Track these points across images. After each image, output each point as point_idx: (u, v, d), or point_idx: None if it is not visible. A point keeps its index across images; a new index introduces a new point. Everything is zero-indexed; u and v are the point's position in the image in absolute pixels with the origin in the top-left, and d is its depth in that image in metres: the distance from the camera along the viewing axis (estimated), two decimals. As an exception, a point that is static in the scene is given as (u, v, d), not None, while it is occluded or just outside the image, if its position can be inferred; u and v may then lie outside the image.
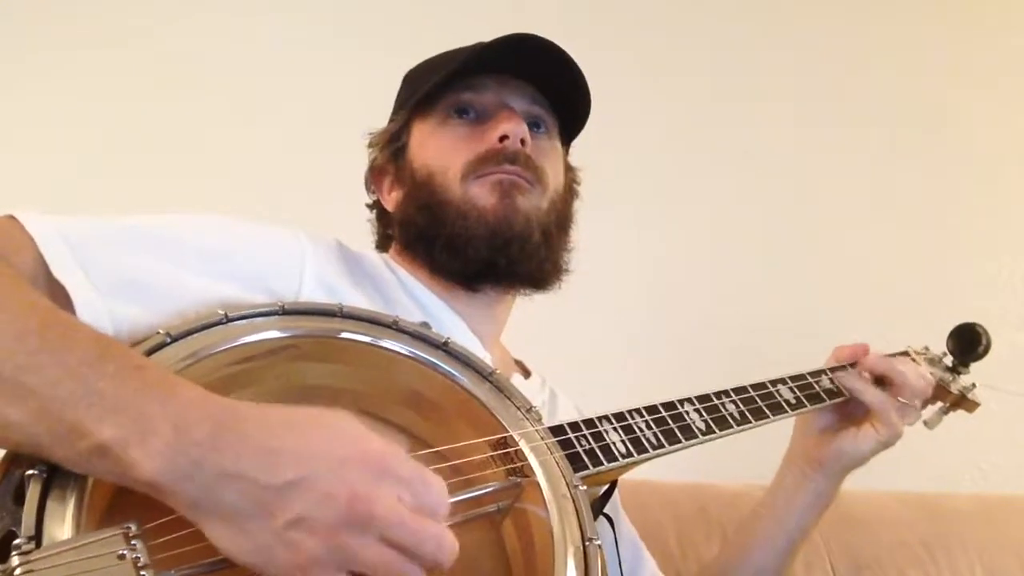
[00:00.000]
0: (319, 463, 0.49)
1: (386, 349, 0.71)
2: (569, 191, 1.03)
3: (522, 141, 0.92)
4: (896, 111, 1.98)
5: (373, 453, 0.51)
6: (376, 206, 1.05)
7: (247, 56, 1.76)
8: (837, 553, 1.40)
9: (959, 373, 1.16)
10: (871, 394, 0.97)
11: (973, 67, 2.03)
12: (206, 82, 1.73)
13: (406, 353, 0.72)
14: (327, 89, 1.74)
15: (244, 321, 0.66)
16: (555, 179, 0.98)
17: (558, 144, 1.02)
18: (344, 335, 0.70)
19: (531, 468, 0.66)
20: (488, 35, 0.95)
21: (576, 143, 1.10)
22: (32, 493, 0.50)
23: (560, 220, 0.97)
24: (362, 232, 1.06)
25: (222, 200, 1.50)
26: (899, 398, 0.97)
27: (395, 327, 0.73)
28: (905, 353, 1.11)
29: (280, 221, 0.83)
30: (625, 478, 0.78)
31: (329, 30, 1.82)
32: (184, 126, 1.68)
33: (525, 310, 1.03)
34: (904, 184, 1.96)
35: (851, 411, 0.99)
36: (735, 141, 1.91)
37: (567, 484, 0.66)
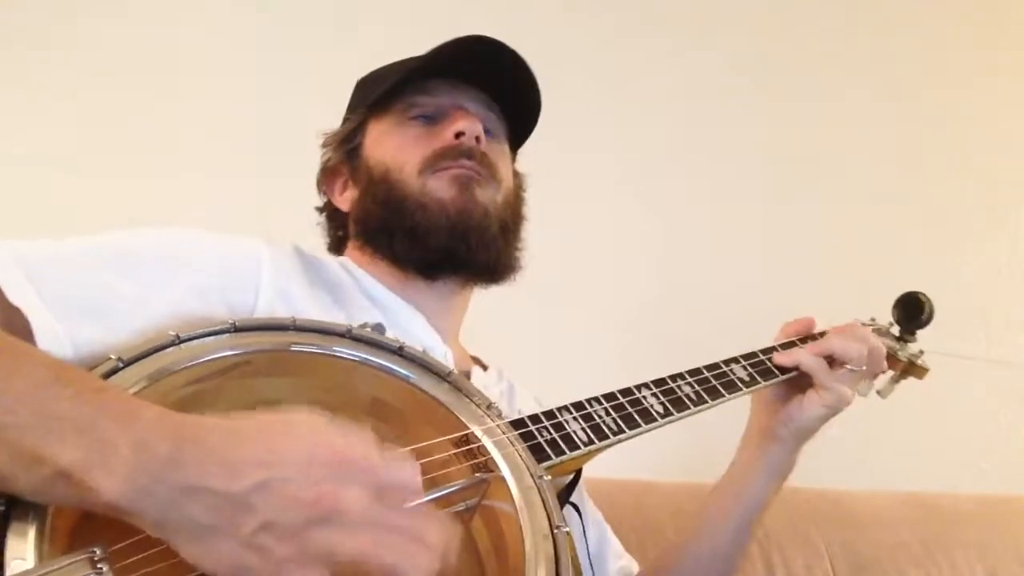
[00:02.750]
0: (281, 466, 0.49)
1: (340, 358, 0.71)
2: (517, 196, 1.05)
3: (476, 139, 0.94)
4: (884, 106, 2.02)
5: (335, 449, 0.51)
6: (327, 207, 1.06)
7: (231, 55, 1.77)
8: (837, 553, 1.41)
9: (907, 341, 1.19)
10: (806, 362, 0.98)
11: (959, 67, 2.07)
12: (187, 81, 1.73)
13: (361, 360, 0.72)
14: (305, 90, 1.74)
15: (196, 342, 0.66)
16: (507, 178, 1.00)
17: (506, 149, 1.05)
18: (295, 348, 0.70)
19: (495, 463, 0.67)
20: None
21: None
22: None
23: (514, 216, 1.00)
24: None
25: (203, 200, 1.51)
26: (846, 367, 1.00)
27: (349, 335, 0.73)
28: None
29: (259, 223, 0.84)
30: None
31: (310, 30, 1.83)
32: (167, 126, 1.68)
33: (482, 305, 1.05)
34: (876, 174, 1.99)
35: (798, 382, 1.01)
36: (694, 134, 1.95)
37: (531, 475, 0.67)
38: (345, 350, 0.72)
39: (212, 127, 1.71)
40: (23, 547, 0.49)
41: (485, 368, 1.05)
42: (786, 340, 1.04)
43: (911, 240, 1.96)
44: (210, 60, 1.76)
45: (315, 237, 1.07)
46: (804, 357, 0.98)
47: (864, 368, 1.01)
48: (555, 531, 0.63)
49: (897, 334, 1.20)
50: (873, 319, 1.20)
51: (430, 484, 0.66)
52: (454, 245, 0.91)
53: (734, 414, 0.89)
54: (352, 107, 1.05)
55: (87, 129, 1.66)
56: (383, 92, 0.97)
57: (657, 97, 1.95)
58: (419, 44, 0.99)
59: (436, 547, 0.51)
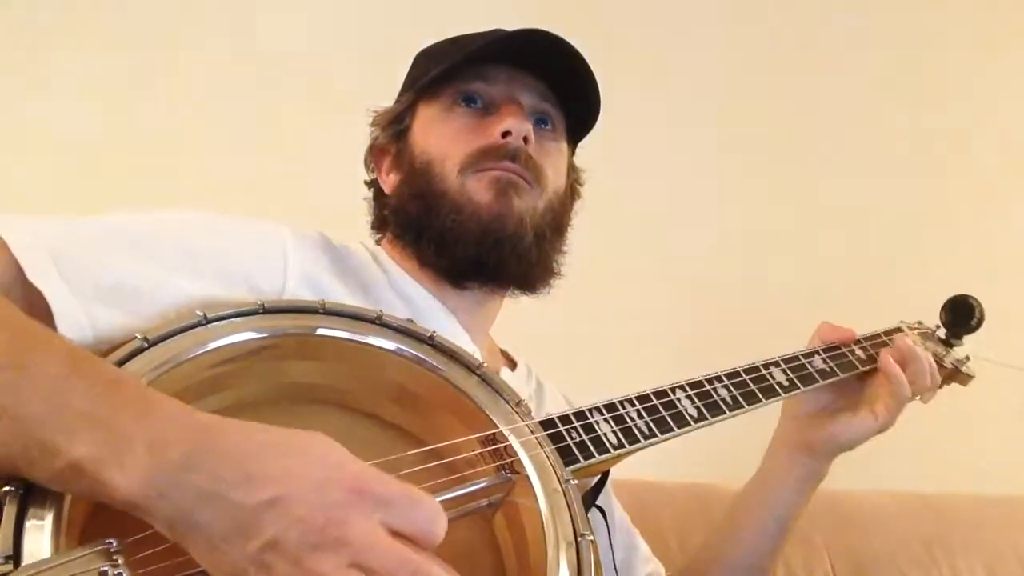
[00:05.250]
0: (296, 485, 0.48)
1: (368, 345, 0.70)
2: (570, 192, 1.01)
3: (525, 139, 0.90)
4: (894, 106, 1.99)
5: (353, 476, 0.49)
6: (374, 185, 1.03)
7: (239, 51, 1.74)
8: (837, 553, 1.40)
9: (952, 346, 1.15)
10: (897, 379, 0.96)
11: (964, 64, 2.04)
12: (195, 78, 1.71)
13: (390, 348, 0.70)
14: (321, 84, 1.72)
15: (223, 322, 0.65)
16: (555, 180, 0.95)
17: (563, 144, 1.00)
18: (320, 332, 0.68)
19: (521, 464, 0.66)
20: (491, 26, 0.94)
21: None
22: (8, 511, 0.48)
23: (556, 222, 0.95)
24: (351, 226, 1.05)
25: (212, 197, 1.49)
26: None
27: (379, 322, 0.71)
28: (898, 329, 1.11)
29: (270, 216, 0.82)
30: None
31: (327, 24, 1.80)
32: (173, 123, 1.66)
33: (509, 299, 1.02)
34: (897, 171, 1.97)
35: (845, 394, 0.98)
36: (733, 135, 1.92)
37: (558, 479, 0.65)
38: (375, 337, 0.70)
39: (219, 125, 1.69)
40: (41, 533, 0.48)
41: (514, 366, 1.03)
42: (823, 344, 1.00)
43: (950, 244, 1.93)
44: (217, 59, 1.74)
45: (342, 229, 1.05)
46: (899, 372, 0.96)
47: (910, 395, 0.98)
48: (579, 539, 0.62)
49: (943, 337, 1.16)
50: (920, 322, 1.16)
51: (458, 481, 0.66)
52: (483, 256, 0.88)
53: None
54: (407, 83, 1.02)
55: (94, 127, 1.64)
56: (432, 78, 0.93)
57: (694, 95, 1.92)
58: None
59: None
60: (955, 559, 1.44)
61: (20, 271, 0.61)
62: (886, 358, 0.98)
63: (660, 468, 1.35)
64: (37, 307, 0.59)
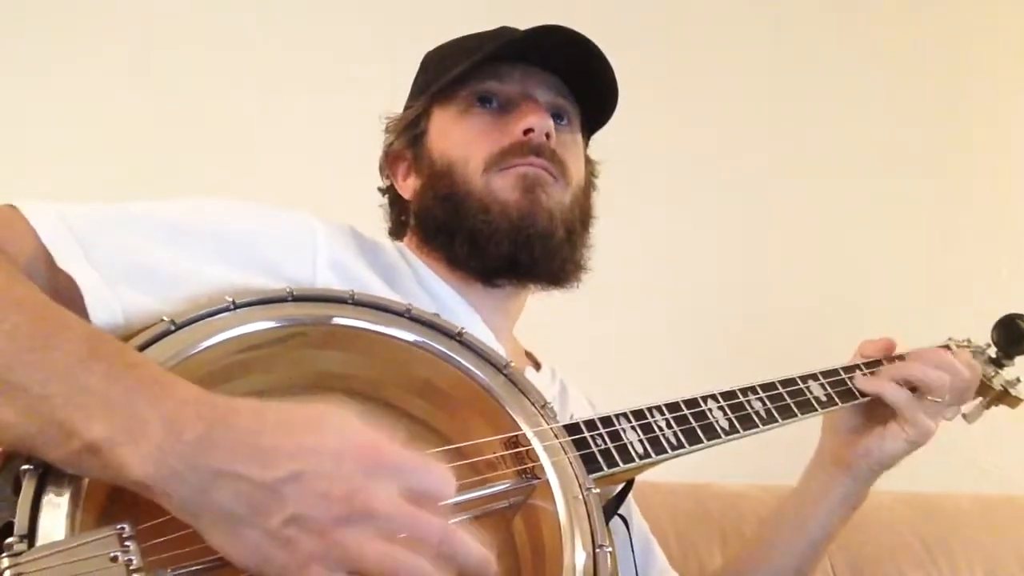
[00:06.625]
0: (313, 459, 0.48)
1: (388, 336, 0.69)
2: (588, 184, 1.00)
3: (547, 135, 0.89)
4: (905, 109, 1.94)
5: (368, 446, 0.50)
6: (390, 191, 1.03)
7: (253, 46, 1.73)
8: (837, 553, 1.38)
9: (1003, 366, 1.11)
10: (892, 394, 0.91)
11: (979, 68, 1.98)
12: (211, 73, 1.70)
13: (411, 340, 0.69)
14: (336, 80, 1.71)
15: (251, 308, 0.64)
16: (577, 174, 0.95)
17: (579, 137, 0.99)
18: (336, 321, 0.67)
19: (543, 469, 0.64)
20: (501, 21, 0.93)
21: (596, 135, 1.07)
22: (26, 490, 0.49)
23: (582, 216, 0.95)
24: (374, 222, 1.04)
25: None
26: (928, 397, 0.92)
27: (408, 315, 0.70)
28: (946, 346, 1.07)
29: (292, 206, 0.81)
30: None
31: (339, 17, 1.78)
32: (190, 120, 1.65)
33: (534, 300, 1.01)
34: (918, 176, 1.91)
35: (878, 410, 0.94)
36: (754, 136, 1.87)
37: (580, 486, 0.64)
38: (398, 329, 0.69)
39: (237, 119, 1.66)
40: (57, 513, 0.49)
41: (538, 367, 1.02)
42: (868, 359, 0.97)
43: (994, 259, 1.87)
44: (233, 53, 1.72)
45: (371, 221, 1.03)
46: (888, 387, 0.91)
47: (946, 399, 0.93)
48: (597, 549, 0.61)
49: (993, 356, 1.12)
50: (968, 340, 1.12)
51: (480, 482, 0.65)
52: (516, 253, 0.87)
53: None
54: (417, 87, 1.01)
55: (105, 123, 1.63)
56: (447, 81, 0.92)
57: (717, 94, 1.87)
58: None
59: (462, 562, 0.50)
60: (955, 559, 1.42)
61: (48, 256, 0.61)
62: (874, 384, 0.92)
63: (660, 467, 1.33)
64: (65, 292, 0.60)
